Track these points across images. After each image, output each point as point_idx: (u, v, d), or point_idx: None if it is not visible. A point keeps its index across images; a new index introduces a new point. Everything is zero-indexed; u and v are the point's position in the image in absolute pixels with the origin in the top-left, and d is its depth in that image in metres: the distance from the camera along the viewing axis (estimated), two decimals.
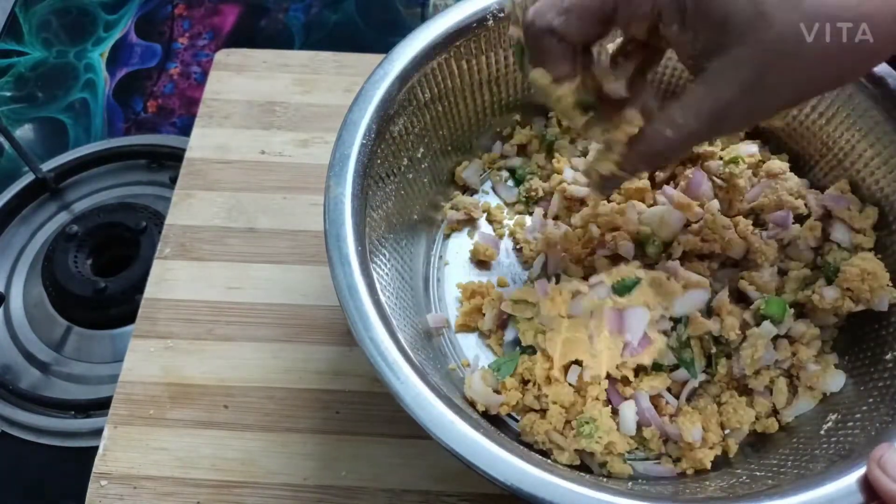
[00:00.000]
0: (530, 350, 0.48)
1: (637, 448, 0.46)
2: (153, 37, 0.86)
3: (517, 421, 0.47)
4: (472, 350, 0.51)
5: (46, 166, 0.75)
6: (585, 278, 0.48)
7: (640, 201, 0.52)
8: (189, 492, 0.49)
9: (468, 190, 0.58)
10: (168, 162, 0.75)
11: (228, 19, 0.87)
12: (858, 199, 0.49)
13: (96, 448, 0.51)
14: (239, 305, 0.56)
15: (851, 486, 0.36)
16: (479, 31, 0.51)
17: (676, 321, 0.47)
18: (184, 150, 0.64)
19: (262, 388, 0.53)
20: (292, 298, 0.57)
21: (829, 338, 0.48)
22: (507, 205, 0.58)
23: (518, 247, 0.55)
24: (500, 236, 0.56)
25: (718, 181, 0.52)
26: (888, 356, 0.45)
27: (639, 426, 0.45)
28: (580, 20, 0.36)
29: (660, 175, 0.54)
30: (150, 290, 0.57)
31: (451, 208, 0.57)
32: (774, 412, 0.47)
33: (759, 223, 0.52)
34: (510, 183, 0.59)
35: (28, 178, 0.74)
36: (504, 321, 0.51)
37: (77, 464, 0.59)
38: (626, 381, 0.46)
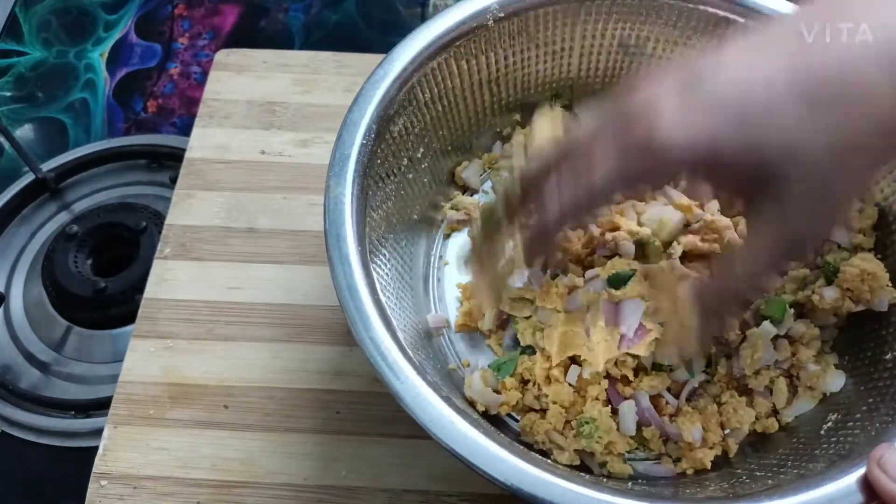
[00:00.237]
0: (529, 350, 0.48)
1: (637, 448, 0.46)
2: (153, 37, 0.86)
3: (517, 421, 0.47)
4: (472, 350, 0.51)
5: (46, 166, 0.75)
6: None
7: (639, 201, 0.52)
8: (189, 492, 0.49)
9: (468, 190, 0.58)
10: (168, 162, 0.75)
11: (228, 19, 0.87)
12: (858, 200, 0.49)
13: (96, 448, 0.51)
14: (239, 305, 0.56)
15: (851, 486, 0.36)
16: (479, 31, 0.51)
17: None
18: (184, 150, 0.64)
19: (262, 388, 0.53)
20: (292, 298, 0.57)
21: (829, 338, 0.48)
22: None
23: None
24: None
25: None
26: (888, 356, 0.45)
27: (639, 426, 0.45)
28: (588, 208, 0.36)
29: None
30: (150, 290, 0.57)
31: (451, 208, 0.57)
32: (774, 412, 0.47)
33: None
34: None
35: (28, 178, 0.74)
36: (504, 321, 0.51)
37: (77, 464, 0.59)
38: (625, 380, 0.46)
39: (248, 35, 0.86)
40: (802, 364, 0.46)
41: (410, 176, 0.52)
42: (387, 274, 0.47)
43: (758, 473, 0.43)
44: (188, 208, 0.61)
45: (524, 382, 0.47)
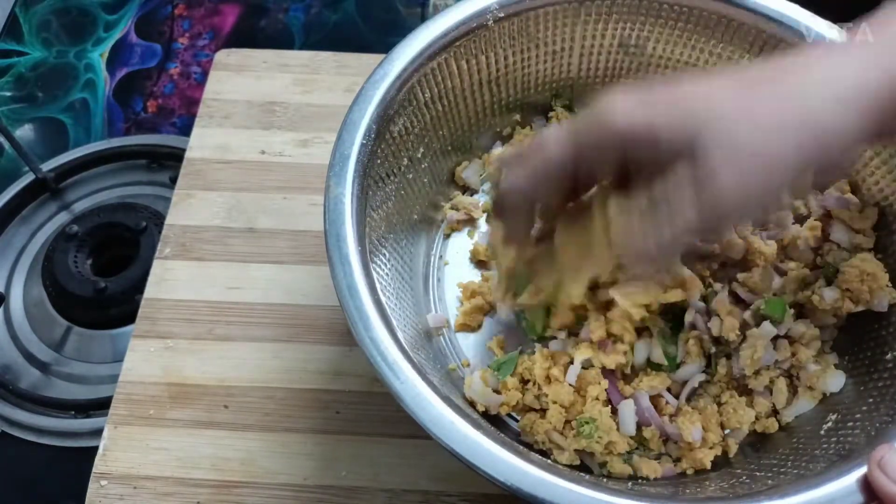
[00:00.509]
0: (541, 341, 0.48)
1: (637, 448, 0.46)
2: (153, 37, 0.87)
3: (517, 421, 0.47)
4: (472, 350, 0.51)
5: (46, 166, 0.75)
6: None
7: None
8: (189, 492, 0.49)
9: (468, 190, 0.58)
10: (168, 162, 0.76)
11: (228, 19, 0.87)
12: (858, 200, 0.49)
13: (96, 448, 0.51)
14: (239, 305, 0.56)
15: (851, 486, 0.36)
16: (479, 31, 0.51)
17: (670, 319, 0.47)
18: (184, 150, 0.64)
19: (262, 388, 0.53)
20: (292, 298, 0.57)
21: (828, 338, 0.48)
22: None
23: None
24: None
25: None
26: (888, 356, 0.45)
27: (639, 426, 0.45)
28: (546, 179, 0.38)
29: None
30: (150, 290, 0.57)
31: (451, 208, 0.57)
32: (774, 412, 0.47)
33: (759, 223, 0.52)
34: None
35: (28, 178, 0.74)
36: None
37: (77, 464, 0.59)
38: (626, 379, 0.46)
39: (248, 35, 0.86)
40: (802, 364, 0.46)
41: (410, 176, 0.52)
42: (387, 274, 0.47)
43: (758, 473, 0.43)
44: (188, 208, 0.61)
45: (524, 382, 0.47)
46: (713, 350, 0.47)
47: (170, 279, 0.57)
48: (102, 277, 0.67)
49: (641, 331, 0.48)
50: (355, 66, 0.68)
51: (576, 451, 0.44)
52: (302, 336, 0.55)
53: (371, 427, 0.51)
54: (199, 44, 0.85)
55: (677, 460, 0.46)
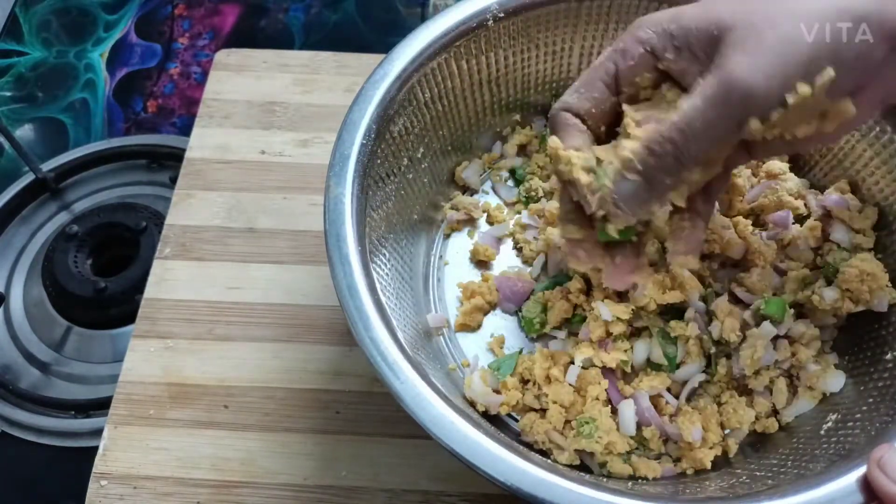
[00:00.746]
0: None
1: (637, 448, 0.46)
2: (153, 37, 0.86)
3: (517, 421, 0.47)
4: (472, 350, 0.51)
5: (46, 166, 0.75)
6: (586, 281, 0.49)
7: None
8: (189, 492, 0.49)
9: (468, 190, 0.58)
10: (168, 162, 0.75)
11: (228, 19, 0.87)
12: (858, 200, 0.49)
13: (96, 448, 0.51)
14: (239, 305, 0.56)
15: (851, 486, 0.36)
16: (479, 31, 0.51)
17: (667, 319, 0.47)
18: (184, 150, 0.64)
19: (262, 388, 0.53)
20: (292, 298, 0.57)
21: (828, 338, 0.48)
22: (507, 205, 0.58)
23: (518, 247, 0.55)
24: (511, 235, 0.56)
25: None
26: (888, 356, 0.45)
27: (639, 426, 0.45)
28: (590, 90, 0.40)
29: None
30: (150, 290, 0.57)
31: (451, 208, 0.57)
32: (774, 412, 0.47)
33: (759, 223, 0.52)
34: (510, 183, 0.59)
35: (28, 178, 0.74)
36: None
37: (77, 464, 0.59)
38: (626, 379, 0.46)
39: (248, 35, 0.86)
40: (802, 364, 0.46)
41: (410, 176, 0.52)
42: (387, 274, 0.47)
43: (758, 473, 0.43)
44: (188, 208, 0.61)
45: (524, 382, 0.47)
46: (713, 350, 0.47)
47: (170, 279, 0.57)
48: (102, 277, 0.67)
49: (641, 331, 0.48)
50: (355, 66, 0.68)
51: (576, 451, 0.44)
52: (302, 336, 0.55)
53: (371, 427, 0.51)
54: (199, 44, 0.85)
55: (677, 460, 0.46)
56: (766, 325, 0.45)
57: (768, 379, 0.46)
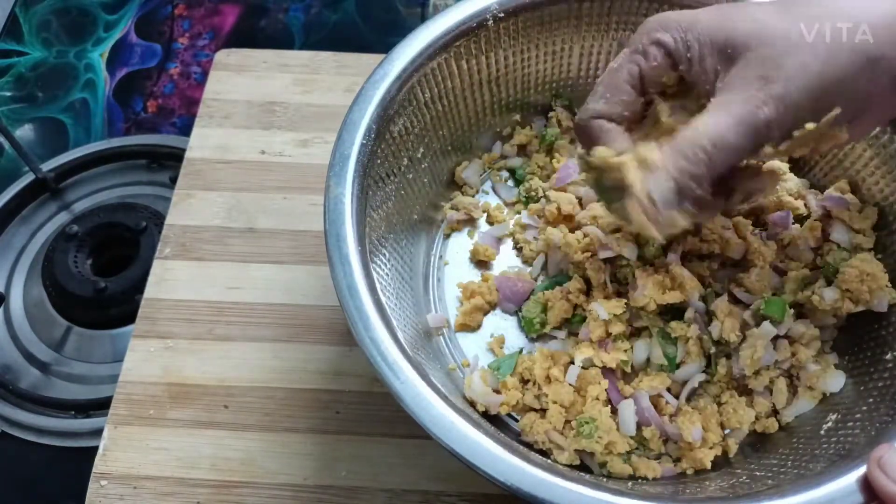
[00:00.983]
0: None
1: (637, 448, 0.46)
2: (153, 37, 0.86)
3: (517, 421, 0.47)
4: (472, 350, 0.51)
5: (46, 166, 0.75)
6: (586, 281, 0.49)
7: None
8: (189, 492, 0.49)
9: (468, 190, 0.58)
10: (168, 162, 0.75)
11: (228, 19, 0.87)
12: (858, 200, 0.49)
13: (96, 448, 0.51)
14: (239, 305, 0.56)
15: (851, 486, 0.36)
16: (479, 31, 0.51)
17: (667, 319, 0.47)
18: (184, 150, 0.64)
19: (262, 388, 0.53)
20: (292, 298, 0.57)
21: (828, 338, 0.48)
22: (507, 205, 0.58)
23: (518, 247, 0.55)
24: (511, 235, 0.56)
25: None
26: (888, 356, 0.45)
27: (639, 426, 0.45)
28: (617, 94, 0.40)
29: None
30: (150, 290, 0.57)
31: (451, 208, 0.57)
32: (774, 412, 0.47)
33: (759, 223, 0.52)
34: (510, 183, 0.59)
35: (28, 178, 0.74)
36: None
37: (77, 464, 0.59)
38: (626, 379, 0.46)
39: (248, 35, 0.86)
40: (802, 364, 0.46)
41: (410, 176, 0.52)
42: (387, 274, 0.47)
43: (758, 473, 0.43)
44: (188, 208, 0.61)
45: (524, 382, 0.47)
46: (713, 350, 0.47)
47: (170, 279, 0.57)
48: (102, 277, 0.67)
49: (641, 331, 0.48)
50: (355, 66, 0.68)
51: (576, 451, 0.44)
52: (302, 336, 0.55)
53: (371, 427, 0.51)
54: (199, 44, 0.85)
55: (677, 460, 0.46)
56: (766, 325, 0.45)
57: (768, 379, 0.46)
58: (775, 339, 0.46)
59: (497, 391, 0.47)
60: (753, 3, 0.39)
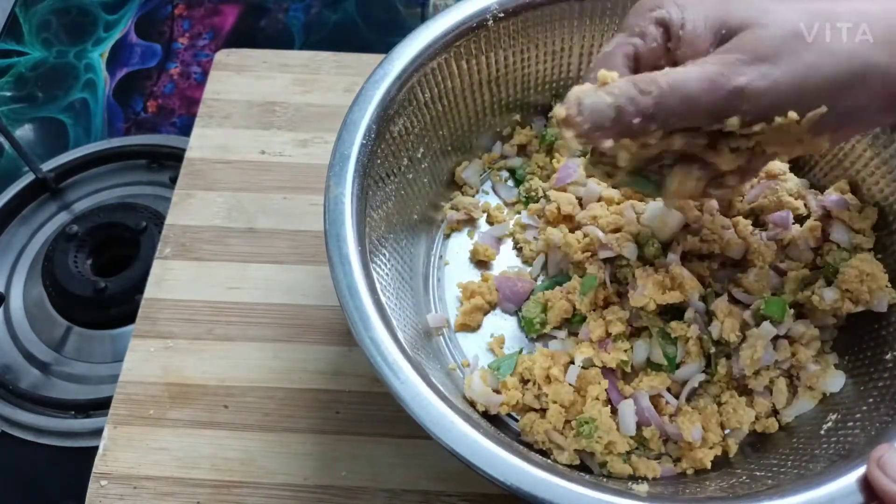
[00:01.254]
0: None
1: (637, 448, 0.46)
2: (153, 37, 0.87)
3: (517, 421, 0.47)
4: (472, 350, 0.51)
5: (46, 166, 0.75)
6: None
7: (639, 201, 0.52)
8: (189, 492, 0.49)
9: (468, 190, 0.58)
10: (168, 162, 0.75)
11: (228, 19, 0.87)
12: (858, 200, 0.49)
13: (96, 448, 0.51)
14: (239, 305, 0.56)
15: (851, 486, 0.36)
16: (479, 31, 0.51)
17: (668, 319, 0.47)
18: (184, 150, 0.64)
19: (262, 388, 0.53)
20: (292, 298, 0.57)
21: (828, 338, 0.48)
22: (507, 205, 0.58)
23: (518, 247, 0.55)
24: (511, 235, 0.56)
25: None
26: (888, 356, 0.45)
27: (639, 426, 0.45)
28: (611, 66, 0.38)
29: None
30: (150, 290, 0.57)
31: (451, 208, 0.57)
32: (774, 412, 0.47)
33: (759, 223, 0.52)
34: (510, 183, 0.59)
35: (28, 178, 0.74)
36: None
37: (77, 464, 0.59)
38: (626, 379, 0.46)
39: (248, 35, 0.86)
40: (802, 364, 0.46)
41: (410, 176, 0.52)
42: (387, 274, 0.47)
43: (758, 473, 0.43)
44: (188, 208, 0.61)
45: (524, 382, 0.47)
46: (713, 350, 0.47)
47: (170, 279, 0.57)
48: (102, 277, 0.67)
49: (641, 331, 0.48)
50: (355, 66, 0.68)
51: (576, 451, 0.44)
52: (301, 336, 0.55)
53: (371, 427, 0.51)
54: (199, 44, 0.85)
55: (677, 460, 0.46)
56: (766, 325, 0.45)
57: (768, 379, 0.46)
58: (775, 339, 0.46)
59: (497, 391, 0.47)
60: None
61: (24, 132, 0.80)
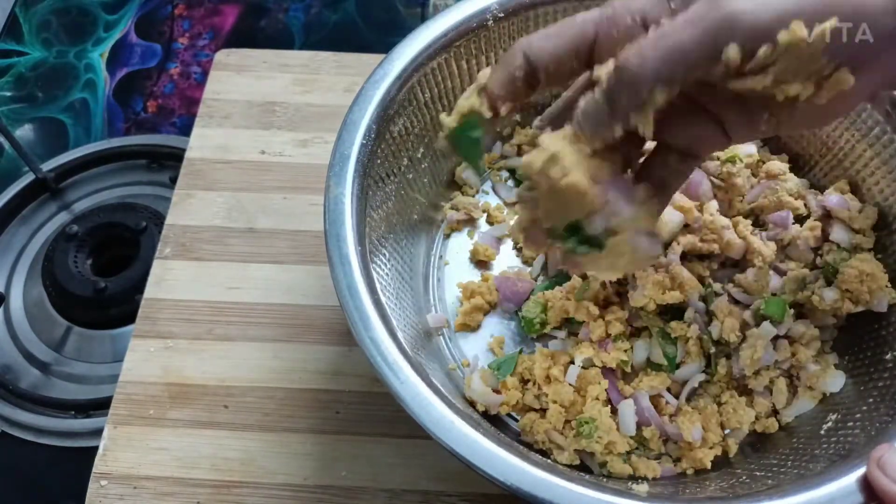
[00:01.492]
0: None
1: (637, 448, 0.46)
2: (153, 37, 0.87)
3: (517, 421, 0.47)
4: (472, 350, 0.51)
5: (46, 166, 0.75)
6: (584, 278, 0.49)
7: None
8: (189, 492, 0.49)
9: (468, 190, 0.58)
10: (168, 162, 0.75)
11: (228, 19, 0.87)
12: (858, 200, 0.49)
13: (96, 448, 0.51)
14: (239, 305, 0.56)
15: (851, 486, 0.36)
16: (479, 31, 0.51)
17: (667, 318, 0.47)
18: (184, 150, 0.64)
19: (262, 388, 0.53)
20: (292, 298, 0.57)
21: (828, 338, 0.48)
22: (507, 205, 0.58)
23: (518, 247, 0.55)
24: (511, 235, 0.56)
25: (717, 181, 0.52)
26: (888, 356, 0.45)
27: (639, 426, 0.45)
28: (557, 41, 0.35)
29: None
30: (150, 290, 0.57)
31: (451, 208, 0.57)
32: (774, 412, 0.47)
33: (759, 224, 0.52)
34: (510, 183, 0.59)
35: (28, 178, 0.74)
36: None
37: (77, 464, 0.59)
38: (626, 379, 0.46)
39: (248, 35, 0.86)
40: (802, 364, 0.46)
41: (410, 176, 0.52)
42: (387, 274, 0.47)
43: (758, 473, 0.43)
44: (188, 208, 0.61)
45: (524, 382, 0.47)
46: (713, 350, 0.47)
47: (170, 279, 0.57)
48: (102, 277, 0.67)
49: (641, 331, 0.48)
50: (355, 66, 0.68)
51: (576, 451, 0.44)
52: (301, 336, 0.55)
53: (371, 427, 0.51)
54: (199, 44, 0.85)
55: (677, 460, 0.46)
56: (766, 325, 0.45)
57: (768, 379, 0.46)
58: (775, 339, 0.46)
59: (497, 391, 0.47)
60: None
61: (24, 132, 0.80)
